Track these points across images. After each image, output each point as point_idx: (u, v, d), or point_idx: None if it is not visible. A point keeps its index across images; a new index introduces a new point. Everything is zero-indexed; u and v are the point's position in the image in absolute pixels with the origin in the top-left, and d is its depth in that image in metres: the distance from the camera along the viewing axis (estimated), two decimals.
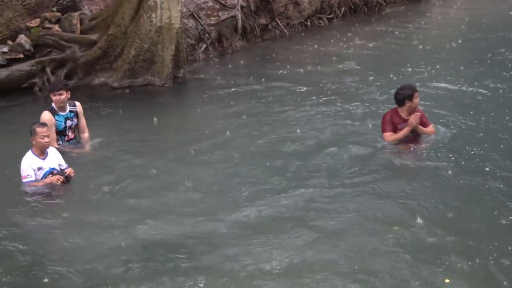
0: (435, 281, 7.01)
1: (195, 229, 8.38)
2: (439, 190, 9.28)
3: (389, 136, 10.58)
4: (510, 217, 8.42)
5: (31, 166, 9.41)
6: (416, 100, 10.50)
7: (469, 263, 7.41)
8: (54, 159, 9.62)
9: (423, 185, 9.45)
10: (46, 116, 10.73)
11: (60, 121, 10.87)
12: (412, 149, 10.56)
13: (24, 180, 9.40)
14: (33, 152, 9.46)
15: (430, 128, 10.85)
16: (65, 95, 10.87)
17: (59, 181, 9.37)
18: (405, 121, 10.45)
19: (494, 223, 8.35)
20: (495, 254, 7.53)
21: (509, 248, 7.67)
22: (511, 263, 7.31)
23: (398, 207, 8.77)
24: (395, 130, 10.52)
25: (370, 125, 11.83)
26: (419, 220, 8.28)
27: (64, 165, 9.69)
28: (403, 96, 10.45)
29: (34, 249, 8.11)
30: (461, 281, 7.05)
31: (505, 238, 7.93)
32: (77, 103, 11.24)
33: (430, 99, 12.90)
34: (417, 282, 7.00)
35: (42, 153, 9.47)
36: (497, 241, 7.82)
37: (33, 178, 9.40)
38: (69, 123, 11.01)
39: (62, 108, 10.92)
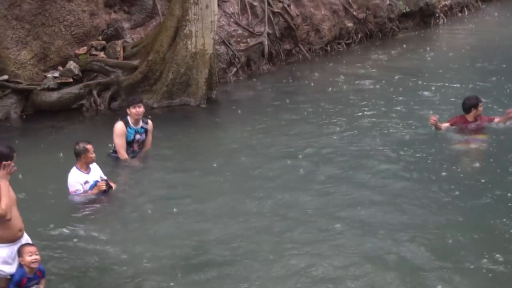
0: None
1: (230, 243, 8.27)
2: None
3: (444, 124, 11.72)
4: None
5: (78, 181, 9.40)
6: (480, 108, 11.44)
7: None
8: (97, 172, 9.65)
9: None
10: (119, 126, 10.85)
11: (130, 133, 10.89)
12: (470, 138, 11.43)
13: (74, 194, 9.38)
14: (78, 168, 9.45)
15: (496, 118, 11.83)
16: (142, 108, 10.90)
17: (103, 186, 9.39)
18: (471, 123, 11.46)
19: None
20: None
21: None
22: None
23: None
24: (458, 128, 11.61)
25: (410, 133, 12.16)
26: None
27: (104, 177, 9.66)
28: (469, 105, 11.43)
29: (83, 254, 8.08)
30: None
31: None
32: (149, 122, 11.24)
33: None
34: None
35: (86, 168, 9.46)
36: None
37: (81, 191, 9.39)
38: (137, 137, 11.01)
39: (136, 122, 10.89)
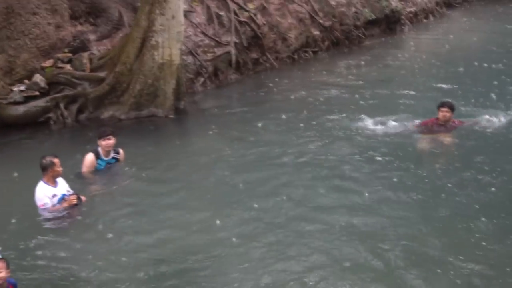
0: None
1: (196, 257, 8.36)
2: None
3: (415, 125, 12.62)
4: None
5: (46, 195, 9.41)
6: (440, 113, 12.19)
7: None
8: (64, 186, 9.67)
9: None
10: (89, 158, 10.82)
11: (101, 164, 10.88)
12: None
13: (42, 208, 9.39)
14: (45, 182, 9.46)
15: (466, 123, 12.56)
16: (113, 140, 10.85)
17: (74, 200, 9.39)
18: (439, 125, 12.22)
19: None
20: None
21: None
22: None
23: None
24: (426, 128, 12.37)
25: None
26: None
27: (71, 191, 9.68)
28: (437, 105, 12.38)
29: (53, 266, 8.11)
30: None
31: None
32: (121, 151, 11.22)
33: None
34: None
35: (53, 182, 9.48)
36: None
37: (50, 205, 9.40)
38: (108, 167, 10.95)
39: (107, 153, 10.87)
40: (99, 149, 10.89)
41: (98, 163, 10.85)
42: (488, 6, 29.66)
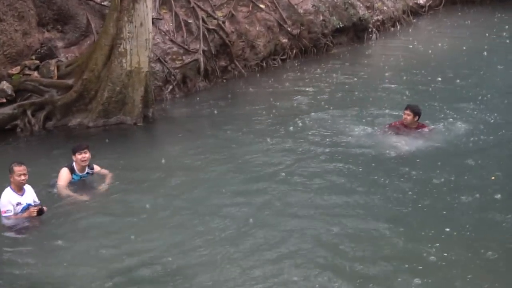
0: None
1: (165, 269, 8.35)
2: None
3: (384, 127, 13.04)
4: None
5: (10, 201, 9.35)
6: (404, 115, 12.56)
7: None
8: (30, 195, 9.59)
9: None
10: (64, 173, 10.64)
11: (75, 180, 10.70)
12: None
13: (4, 215, 9.35)
14: (11, 189, 9.40)
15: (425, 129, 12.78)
16: (88, 154, 10.66)
17: (34, 212, 9.32)
18: (404, 127, 12.58)
19: None
20: None
21: None
22: None
23: None
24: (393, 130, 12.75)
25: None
26: None
27: (37, 201, 9.61)
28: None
29: (10, 277, 8.04)
30: None
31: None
32: (96, 167, 11.06)
33: None
34: None
35: (20, 189, 9.41)
36: None
37: (12, 213, 9.34)
38: (81, 180, 10.84)
39: (82, 168, 10.71)
40: (74, 164, 10.74)
41: (73, 178, 10.70)
42: (452, 13, 30.06)
